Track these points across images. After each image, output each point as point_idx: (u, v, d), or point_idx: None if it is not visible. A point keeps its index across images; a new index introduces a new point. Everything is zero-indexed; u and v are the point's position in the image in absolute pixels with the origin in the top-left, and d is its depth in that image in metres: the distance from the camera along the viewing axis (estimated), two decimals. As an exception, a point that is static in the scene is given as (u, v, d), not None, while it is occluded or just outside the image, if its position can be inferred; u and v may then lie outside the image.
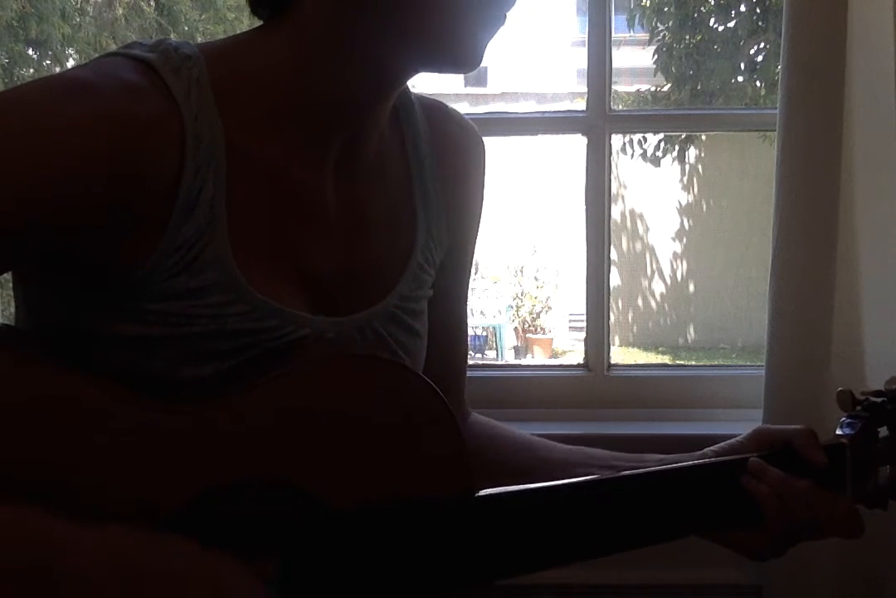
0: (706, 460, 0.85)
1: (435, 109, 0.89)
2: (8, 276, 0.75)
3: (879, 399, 0.87)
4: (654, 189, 8.12)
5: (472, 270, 0.98)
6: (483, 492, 0.75)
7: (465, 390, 0.98)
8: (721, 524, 0.82)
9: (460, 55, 0.74)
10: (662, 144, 7.77)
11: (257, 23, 0.79)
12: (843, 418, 0.87)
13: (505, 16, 0.75)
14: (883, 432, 0.87)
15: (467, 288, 0.97)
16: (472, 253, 0.95)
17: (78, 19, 6.20)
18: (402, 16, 0.72)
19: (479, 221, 0.94)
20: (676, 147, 7.92)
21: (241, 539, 0.68)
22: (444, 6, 0.72)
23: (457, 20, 0.73)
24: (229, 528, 0.68)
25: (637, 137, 7.25)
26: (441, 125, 0.89)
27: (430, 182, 0.86)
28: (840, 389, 0.87)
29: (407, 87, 0.86)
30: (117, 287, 0.70)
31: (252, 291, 0.73)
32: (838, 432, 0.87)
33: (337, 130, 0.77)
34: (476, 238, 0.95)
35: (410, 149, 0.85)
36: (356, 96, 0.76)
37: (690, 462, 0.83)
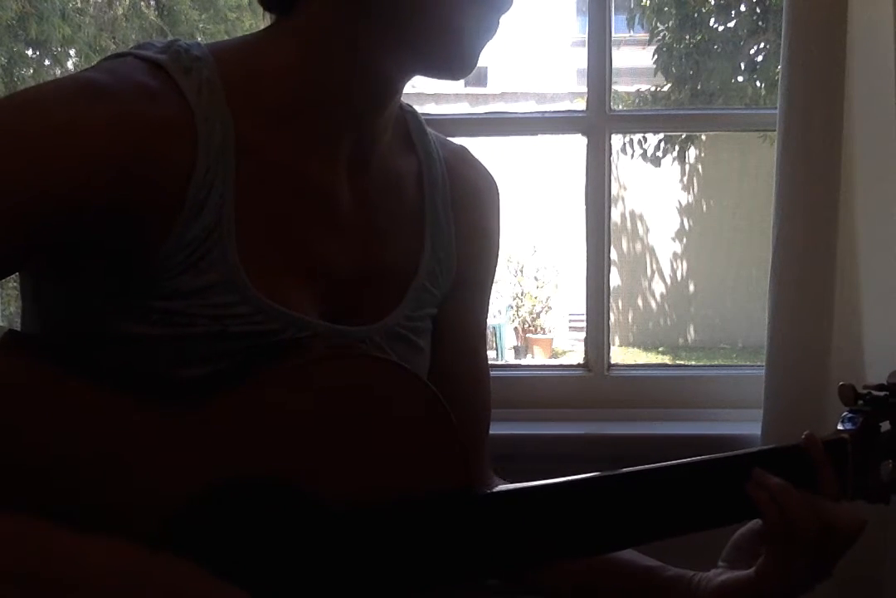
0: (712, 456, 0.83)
1: (455, 153, 0.91)
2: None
3: (882, 393, 0.85)
4: (655, 189, 8.13)
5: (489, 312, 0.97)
6: (482, 491, 0.75)
7: (488, 455, 0.96)
8: (721, 525, 0.82)
9: (454, 61, 0.76)
10: (662, 144, 7.79)
11: (258, 22, 0.79)
12: (845, 413, 0.86)
13: (498, 23, 0.77)
14: (885, 426, 0.86)
15: (484, 329, 0.96)
16: (489, 293, 0.96)
17: (78, 19, 6.20)
18: (401, 21, 0.73)
19: (495, 264, 0.95)
20: (676, 147, 7.93)
21: (239, 538, 0.68)
22: (440, 12, 0.73)
23: (451, 27, 0.74)
24: (226, 527, 0.68)
25: (637, 137, 7.26)
26: (460, 167, 0.90)
27: (441, 210, 0.87)
28: (842, 383, 0.86)
29: (417, 114, 0.88)
30: (128, 284, 0.70)
31: (256, 293, 0.73)
32: (839, 426, 0.86)
33: (346, 129, 0.78)
34: (492, 280, 0.95)
35: (425, 173, 0.86)
36: (361, 97, 0.77)
37: (691, 459, 0.82)
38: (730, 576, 0.83)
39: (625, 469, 0.80)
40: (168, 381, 0.70)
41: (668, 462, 0.80)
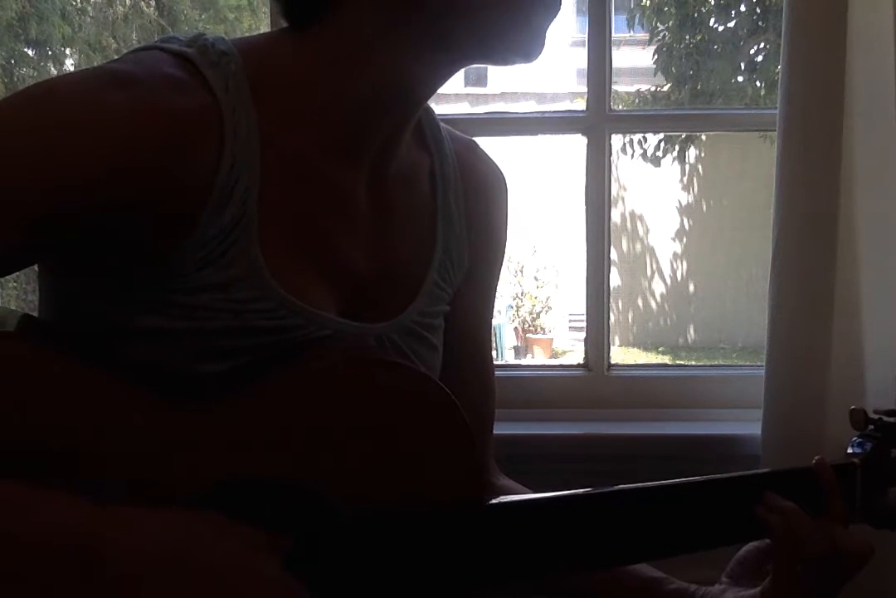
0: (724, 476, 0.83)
1: (466, 146, 0.91)
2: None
3: (893, 420, 0.86)
4: (655, 189, 8.12)
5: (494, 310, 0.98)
6: (492, 500, 0.75)
7: (492, 451, 0.96)
8: (728, 544, 0.83)
9: (526, 47, 0.76)
10: (662, 144, 7.77)
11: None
12: (855, 438, 0.87)
13: (560, 2, 0.77)
14: (894, 452, 0.86)
15: (489, 327, 0.96)
16: (494, 291, 0.96)
17: (78, 19, 6.21)
18: (456, 17, 0.73)
19: (501, 260, 0.95)
20: (676, 147, 7.92)
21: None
22: (501, 3, 0.73)
23: (518, 14, 0.74)
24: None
25: (637, 137, 7.25)
26: (470, 160, 0.90)
27: (452, 205, 0.86)
28: (853, 407, 0.86)
29: (432, 111, 0.87)
30: (148, 277, 0.70)
31: (278, 288, 0.72)
32: (849, 450, 0.87)
33: (374, 132, 0.77)
34: (499, 276, 0.96)
35: (437, 169, 0.86)
36: (394, 99, 0.76)
37: (702, 477, 0.81)
38: (735, 596, 0.84)
39: (635, 485, 0.79)
40: (185, 377, 0.70)
41: (678, 480, 0.80)
